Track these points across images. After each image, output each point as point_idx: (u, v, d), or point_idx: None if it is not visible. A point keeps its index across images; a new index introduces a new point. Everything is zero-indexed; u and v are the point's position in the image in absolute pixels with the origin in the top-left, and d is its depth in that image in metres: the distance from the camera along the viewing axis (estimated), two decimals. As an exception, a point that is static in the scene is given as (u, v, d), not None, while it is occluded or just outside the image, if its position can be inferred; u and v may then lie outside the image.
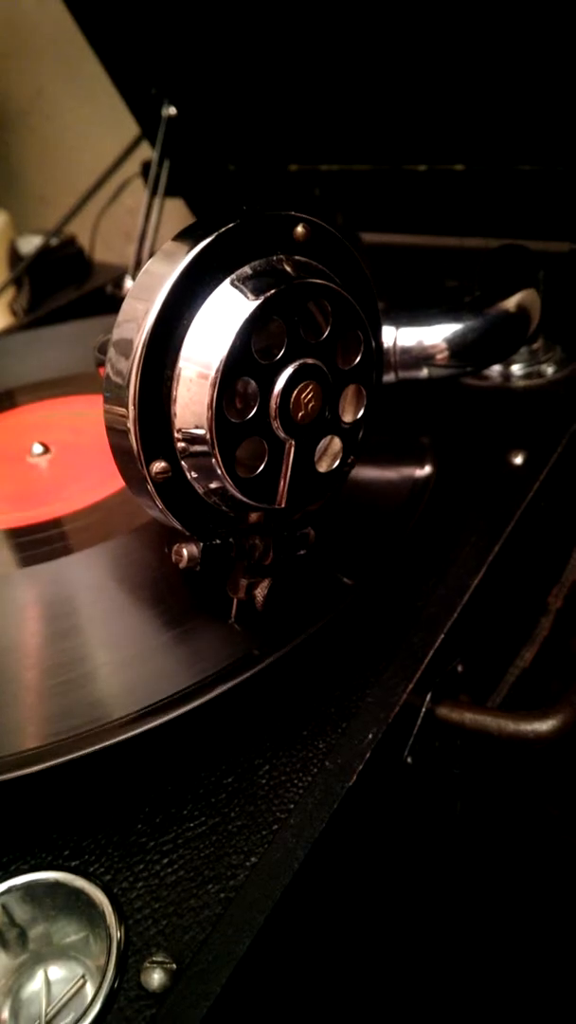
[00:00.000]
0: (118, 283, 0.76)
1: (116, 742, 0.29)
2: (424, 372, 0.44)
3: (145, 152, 0.76)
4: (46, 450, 0.48)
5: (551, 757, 0.42)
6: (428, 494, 0.40)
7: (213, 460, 0.30)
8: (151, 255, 0.79)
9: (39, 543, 0.41)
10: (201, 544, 0.33)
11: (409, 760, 0.32)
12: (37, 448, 0.48)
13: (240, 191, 0.77)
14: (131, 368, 0.30)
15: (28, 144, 1.04)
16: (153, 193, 0.76)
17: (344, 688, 0.33)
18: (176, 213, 0.84)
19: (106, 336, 0.43)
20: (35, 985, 0.28)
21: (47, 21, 0.89)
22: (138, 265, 0.76)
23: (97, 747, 0.29)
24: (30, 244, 0.86)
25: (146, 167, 0.77)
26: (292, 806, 0.29)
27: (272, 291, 0.29)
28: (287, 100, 0.67)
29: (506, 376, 0.52)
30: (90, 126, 0.95)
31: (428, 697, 0.33)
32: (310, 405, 0.32)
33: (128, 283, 0.75)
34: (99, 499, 0.43)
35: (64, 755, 0.29)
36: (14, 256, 0.85)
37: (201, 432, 0.30)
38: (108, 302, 0.76)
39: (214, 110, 0.72)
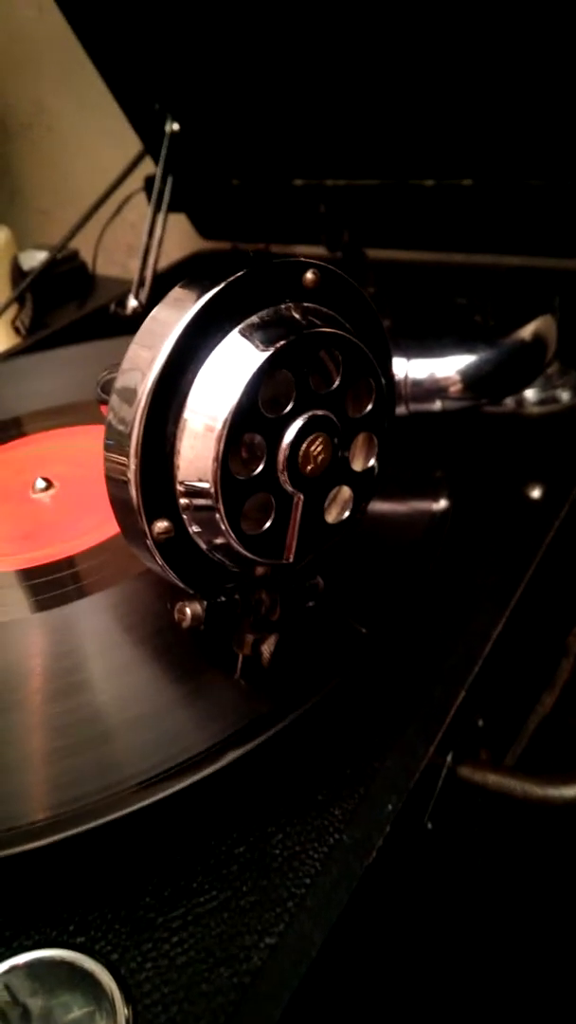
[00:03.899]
0: (121, 302, 0.75)
1: (125, 814, 0.28)
2: (437, 405, 0.43)
3: (148, 166, 0.75)
4: (49, 485, 0.47)
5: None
6: (446, 533, 0.39)
7: (217, 516, 0.29)
8: (154, 271, 0.78)
9: (42, 588, 0.40)
10: (205, 603, 0.31)
11: (429, 826, 0.31)
12: (40, 483, 0.47)
13: (244, 207, 0.76)
14: (134, 418, 0.29)
15: (30, 158, 1.02)
16: (157, 209, 0.74)
17: (360, 747, 0.32)
18: (179, 228, 0.82)
19: (109, 373, 0.42)
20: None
21: (48, 34, 0.88)
22: (141, 282, 0.75)
23: (105, 820, 0.28)
24: (32, 259, 0.85)
25: (149, 182, 0.76)
26: (308, 881, 0.28)
27: (282, 342, 0.28)
28: (291, 114, 0.66)
29: (519, 402, 0.50)
30: (92, 139, 0.94)
31: (449, 757, 0.32)
32: (319, 457, 0.30)
33: (132, 302, 0.74)
34: (103, 539, 0.42)
35: (71, 828, 0.28)
36: (16, 272, 0.84)
37: (206, 486, 0.29)
38: (111, 321, 0.74)
39: (217, 125, 0.70)
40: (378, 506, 0.41)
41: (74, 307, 0.82)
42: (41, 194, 1.04)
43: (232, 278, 0.29)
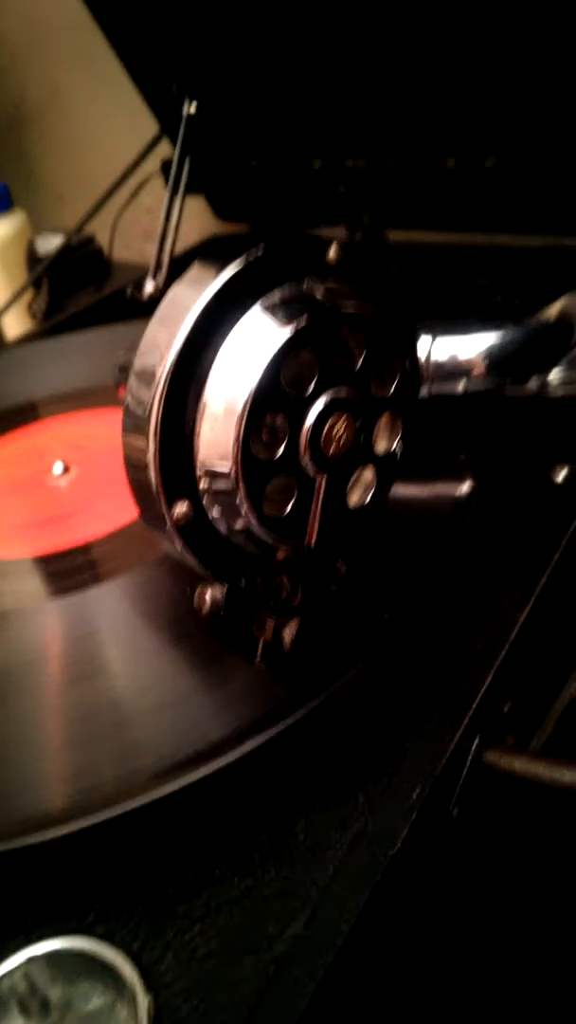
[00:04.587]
0: (138, 285, 0.74)
1: (144, 803, 0.27)
2: (460, 386, 0.42)
3: (165, 149, 0.74)
4: (67, 469, 0.47)
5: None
6: (471, 517, 0.38)
7: (238, 499, 0.28)
8: (171, 255, 0.77)
9: (59, 574, 0.39)
10: (225, 587, 0.31)
11: (455, 812, 0.30)
12: (58, 468, 0.47)
13: (262, 188, 0.75)
14: (152, 400, 0.28)
15: (45, 142, 1.02)
16: (174, 192, 0.73)
17: (384, 733, 0.31)
18: (197, 211, 0.81)
19: (128, 354, 0.41)
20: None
21: (63, 17, 0.87)
22: (158, 266, 0.74)
23: (123, 809, 0.27)
24: (48, 244, 0.85)
25: (166, 165, 0.75)
26: (332, 869, 0.27)
27: (304, 319, 0.27)
28: (310, 94, 0.64)
29: (542, 384, 0.49)
30: (108, 123, 0.93)
31: (476, 742, 0.31)
32: (342, 439, 0.30)
33: (149, 286, 0.73)
34: (121, 525, 0.42)
35: (90, 817, 0.27)
36: (32, 256, 0.83)
37: (226, 469, 0.28)
38: (128, 305, 0.74)
39: (235, 105, 0.69)
40: (401, 489, 0.40)
41: (90, 292, 0.81)
42: (57, 178, 1.04)
43: (252, 255, 0.28)
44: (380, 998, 0.29)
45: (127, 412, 0.29)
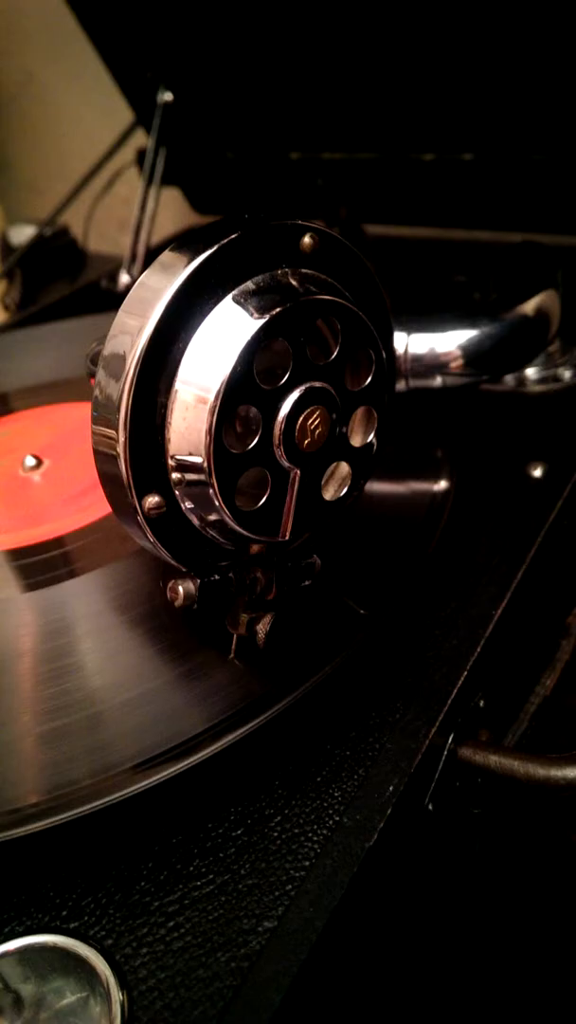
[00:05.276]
0: (113, 277, 0.73)
1: (120, 797, 0.27)
2: (438, 381, 0.42)
3: (140, 139, 0.74)
4: (39, 463, 0.46)
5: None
6: (447, 512, 0.38)
7: (211, 491, 0.28)
8: (147, 246, 0.76)
9: (32, 568, 0.39)
10: (198, 581, 0.30)
11: (430, 807, 0.30)
12: (30, 461, 0.46)
13: (239, 181, 0.74)
14: (122, 388, 0.28)
15: (18, 130, 1.00)
16: (149, 182, 0.73)
17: (360, 729, 0.31)
18: (172, 202, 0.81)
19: (98, 345, 0.41)
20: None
21: (37, 3, 0.86)
22: (133, 257, 0.74)
23: (96, 805, 0.27)
24: (21, 235, 0.83)
25: (141, 155, 0.74)
26: (307, 864, 0.27)
27: (278, 309, 0.27)
28: (288, 85, 0.64)
29: (520, 381, 0.49)
30: (83, 111, 0.92)
31: (450, 738, 0.31)
32: (316, 431, 0.29)
33: (124, 277, 0.73)
34: (95, 519, 0.41)
35: (64, 813, 0.27)
36: (5, 247, 0.82)
37: (198, 460, 0.28)
38: (103, 296, 0.73)
39: (212, 95, 0.69)
40: (377, 484, 0.40)
41: (65, 283, 0.80)
42: (30, 167, 1.02)
43: (225, 241, 0.27)
44: (355, 993, 0.29)
45: (96, 401, 0.29)
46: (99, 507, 0.41)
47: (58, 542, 0.40)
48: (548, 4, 0.49)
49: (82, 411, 0.50)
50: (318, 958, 0.25)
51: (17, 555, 0.40)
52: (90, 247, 0.84)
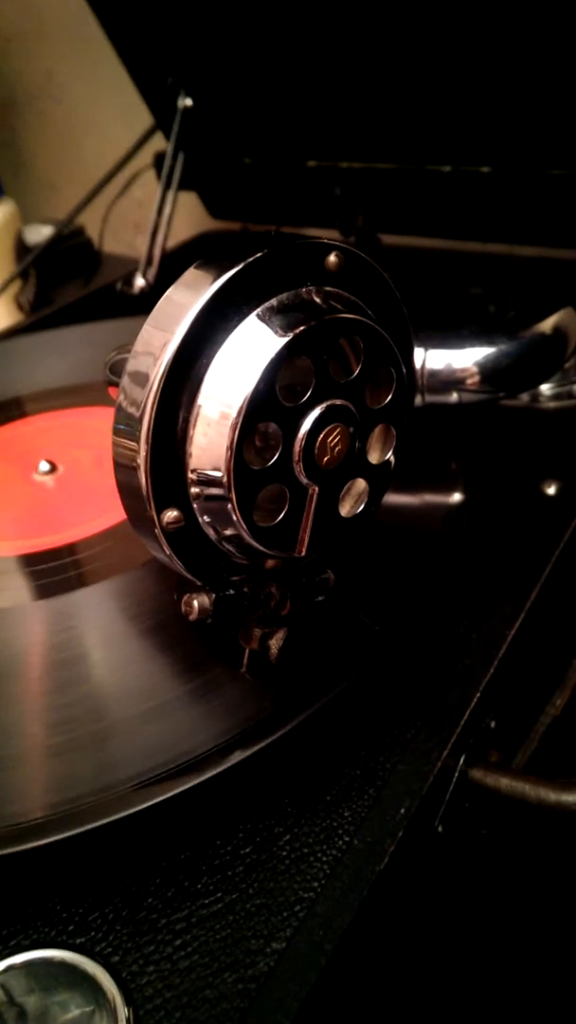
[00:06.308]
0: (128, 280, 0.73)
1: (127, 814, 0.27)
2: (453, 397, 0.42)
3: (158, 142, 0.74)
4: (53, 468, 0.46)
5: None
6: (464, 528, 0.38)
7: (229, 506, 0.28)
8: (162, 249, 0.76)
9: (43, 575, 0.39)
10: (213, 595, 0.30)
11: (440, 829, 0.30)
12: (44, 466, 0.46)
13: (256, 187, 0.74)
14: (146, 402, 0.28)
15: (36, 129, 1.00)
16: (166, 186, 0.73)
17: (371, 747, 0.31)
18: (189, 207, 0.81)
19: (118, 354, 0.41)
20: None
21: (60, 4, 0.86)
22: (149, 261, 0.74)
23: (102, 821, 0.27)
24: (37, 234, 0.83)
25: (159, 158, 0.74)
26: (316, 885, 0.27)
27: (302, 328, 0.27)
28: (307, 93, 0.64)
29: (534, 396, 0.49)
30: (101, 111, 0.92)
31: (462, 759, 0.31)
32: (336, 449, 0.29)
33: (139, 281, 0.73)
34: (108, 526, 0.41)
35: (71, 828, 0.27)
36: (20, 246, 0.82)
37: (218, 475, 0.28)
38: (118, 299, 0.73)
39: (231, 101, 0.69)
40: (392, 499, 0.40)
41: (79, 284, 0.80)
42: (48, 167, 1.02)
43: (251, 259, 0.27)
44: (365, 1017, 0.29)
45: (119, 413, 0.29)
46: (112, 514, 0.41)
47: (70, 549, 0.40)
48: (569, 20, 0.49)
49: (98, 416, 0.50)
50: (327, 981, 0.25)
51: (29, 561, 0.40)
52: (105, 249, 0.84)
